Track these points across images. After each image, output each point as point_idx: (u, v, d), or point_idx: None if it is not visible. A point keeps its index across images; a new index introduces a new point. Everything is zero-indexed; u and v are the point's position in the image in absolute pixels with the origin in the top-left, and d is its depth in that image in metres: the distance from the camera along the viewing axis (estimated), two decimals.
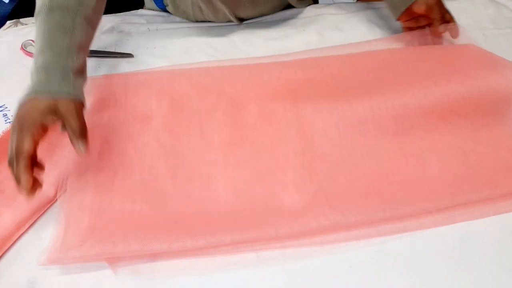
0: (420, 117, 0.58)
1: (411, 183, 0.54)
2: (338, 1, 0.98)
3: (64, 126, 0.50)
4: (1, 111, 0.67)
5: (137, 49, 0.77)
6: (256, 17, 0.83)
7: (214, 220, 0.51)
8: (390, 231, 0.51)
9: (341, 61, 0.68)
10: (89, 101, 0.60)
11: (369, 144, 0.58)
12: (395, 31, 0.78)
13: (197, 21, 0.84)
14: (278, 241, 0.50)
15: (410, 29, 0.73)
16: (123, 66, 0.75)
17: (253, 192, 0.54)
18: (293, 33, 0.79)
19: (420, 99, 0.59)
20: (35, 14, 0.58)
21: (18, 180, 0.47)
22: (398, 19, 0.73)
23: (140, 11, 0.88)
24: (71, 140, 0.50)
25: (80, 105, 0.53)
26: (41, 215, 0.55)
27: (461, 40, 0.70)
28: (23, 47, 0.76)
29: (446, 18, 0.69)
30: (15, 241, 0.53)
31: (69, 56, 0.54)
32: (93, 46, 0.77)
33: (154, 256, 0.50)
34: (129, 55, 0.76)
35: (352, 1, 1.00)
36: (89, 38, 0.61)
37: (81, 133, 0.50)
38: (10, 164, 0.47)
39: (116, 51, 0.77)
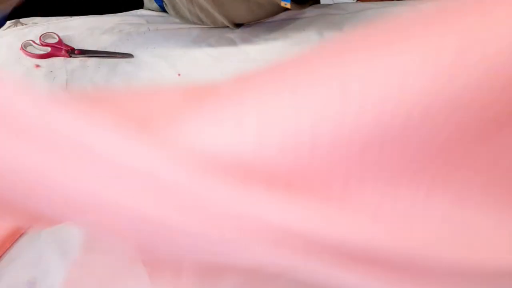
0: None
1: None
2: (338, 1, 0.98)
3: None
4: None
5: (137, 49, 0.77)
6: (253, 21, 0.83)
7: None
8: None
9: None
10: None
11: None
12: None
13: (193, 23, 0.84)
14: None
15: None
16: (123, 66, 0.75)
17: None
18: (293, 33, 0.79)
19: None
20: None
21: None
22: None
23: (140, 11, 0.88)
24: None
25: None
26: None
27: None
28: (23, 47, 0.76)
29: None
30: (15, 241, 0.53)
31: None
32: (93, 46, 0.77)
33: None
34: (129, 55, 0.76)
35: (352, 1, 1.00)
36: None
37: None
38: None
39: (116, 51, 0.77)
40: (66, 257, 0.52)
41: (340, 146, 0.32)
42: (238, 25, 0.82)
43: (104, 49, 0.77)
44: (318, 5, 0.88)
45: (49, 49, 0.76)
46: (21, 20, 0.84)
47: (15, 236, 0.53)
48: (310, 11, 0.84)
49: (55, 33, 0.78)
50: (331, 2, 0.92)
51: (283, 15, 0.84)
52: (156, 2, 0.84)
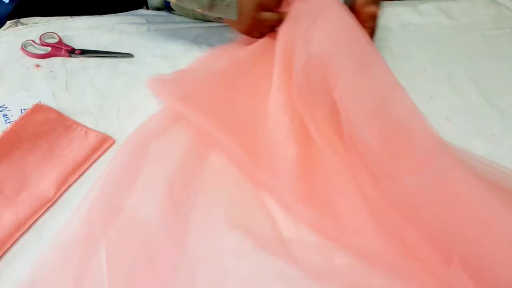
0: None
1: None
2: None
3: None
4: (1, 111, 0.67)
5: (137, 49, 0.77)
6: None
7: None
8: None
9: None
10: None
11: None
12: None
13: (196, 19, 0.83)
14: None
15: None
16: (123, 66, 0.75)
17: None
18: None
19: None
20: None
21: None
22: None
23: (140, 11, 0.88)
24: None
25: None
26: (41, 215, 0.55)
27: None
28: (23, 47, 0.76)
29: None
30: (15, 241, 0.53)
31: None
32: (93, 46, 0.77)
33: None
34: (129, 55, 0.76)
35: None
36: None
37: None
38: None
39: (116, 51, 0.77)
40: (66, 257, 0.52)
41: None
42: None
43: (104, 49, 0.77)
44: None
45: (49, 49, 0.76)
46: (21, 20, 0.84)
47: (15, 236, 0.53)
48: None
49: (55, 33, 0.78)
50: None
51: None
52: None
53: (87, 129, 0.64)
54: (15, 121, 0.63)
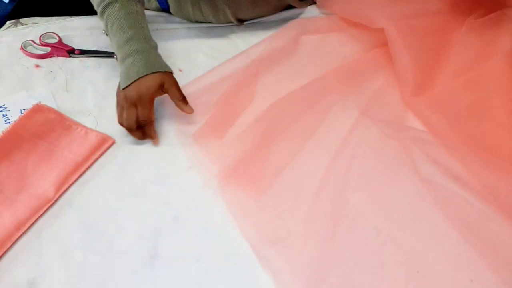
0: None
1: None
2: None
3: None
4: (1, 111, 0.67)
5: None
6: (256, 18, 0.83)
7: None
8: None
9: None
10: None
11: None
12: None
13: (197, 22, 0.83)
14: None
15: None
16: None
17: None
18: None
19: None
20: (102, 6, 0.63)
21: (152, 137, 0.62)
22: None
23: None
24: (178, 106, 0.63)
25: (174, 78, 0.63)
26: (41, 215, 0.55)
27: None
28: (23, 47, 0.76)
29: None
30: (15, 241, 0.53)
31: (151, 38, 0.65)
32: (93, 46, 0.77)
33: None
34: None
35: None
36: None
37: (184, 99, 0.63)
38: (131, 131, 0.61)
39: None
40: (66, 257, 0.52)
41: None
42: (240, 21, 0.82)
43: (104, 49, 0.77)
44: (318, 5, 0.87)
45: (49, 49, 0.76)
46: (21, 20, 0.84)
47: (15, 236, 0.53)
48: (310, 11, 0.84)
49: (55, 33, 0.78)
50: None
51: (283, 15, 0.84)
52: (159, 3, 0.84)
53: (87, 129, 0.64)
54: (15, 121, 0.63)
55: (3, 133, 0.61)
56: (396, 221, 0.53)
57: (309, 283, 0.49)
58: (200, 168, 0.60)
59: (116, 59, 0.65)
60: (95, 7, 0.67)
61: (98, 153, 0.62)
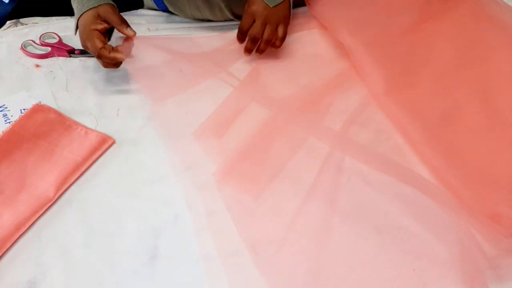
0: None
1: None
2: None
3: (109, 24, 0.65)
4: (1, 111, 0.67)
5: (137, 49, 0.77)
6: None
7: None
8: None
9: None
10: None
11: None
12: None
13: (195, 19, 0.83)
14: None
15: None
16: (123, 66, 0.75)
17: None
18: (294, 32, 0.79)
19: None
20: None
21: (112, 61, 0.65)
22: None
23: (140, 11, 0.88)
24: (119, 30, 0.66)
25: (113, 6, 0.67)
26: (41, 215, 0.55)
27: None
28: (23, 47, 0.76)
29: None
30: (15, 241, 0.53)
31: None
32: None
33: None
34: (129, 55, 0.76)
35: None
36: None
37: (123, 21, 0.66)
38: (99, 57, 0.65)
39: None
40: (66, 257, 0.52)
41: None
42: (237, 17, 0.82)
43: None
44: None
45: (49, 49, 0.76)
46: (21, 20, 0.84)
47: (15, 236, 0.53)
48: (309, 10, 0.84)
49: (55, 33, 0.78)
50: None
51: None
52: (156, 4, 0.84)
53: (87, 129, 0.64)
54: (15, 121, 0.63)
55: (3, 133, 0.61)
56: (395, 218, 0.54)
57: (306, 281, 0.49)
58: (200, 168, 0.60)
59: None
60: None
61: (98, 153, 0.62)
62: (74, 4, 0.67)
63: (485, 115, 0.61)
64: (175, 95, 0.69)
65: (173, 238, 0.54)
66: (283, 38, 0.70)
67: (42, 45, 0.76)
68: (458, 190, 0.55)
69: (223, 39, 0.79)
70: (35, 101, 0.66)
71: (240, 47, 0.73)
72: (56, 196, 0.57)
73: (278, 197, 0.56)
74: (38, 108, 0.65)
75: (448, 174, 0.56)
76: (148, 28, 0.82)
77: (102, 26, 0.65)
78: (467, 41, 0.71)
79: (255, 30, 0.68)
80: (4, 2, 1.01)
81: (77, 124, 0.64)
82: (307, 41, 0.77)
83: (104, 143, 0.62)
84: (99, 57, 0.64)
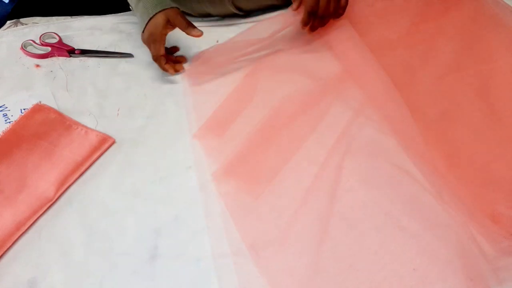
0: None
1: None
2: None
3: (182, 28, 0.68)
4: (1, 111, 0.67)
5: (137, 49, 0.77)
6: (256, 10, 0.83)
7: None
8: None
9: None
10: None
11: None
12: None
13: (200, 16, 0.83)
14: None
15: None
16: (123, 66, 0.75)
17: None
18: (295, 32, 0.79)
19: None
20: None
21: (166, 70, 0.71)
22: None
23: None
24: (188, 33, 0.68)
25: (178, 10, 0.69)
26: (41, 215, 0.55)
27: None
28: (23, 47, 0.76)
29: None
30: (15, 241, 0.53)
31: None
32: (93, 46, 0.77)
33: None
34: (129, 55, 0.76)
35: None
36: None
37: (189, 24, 0.68)
38: (156, 61, 0.70)
39: (116, 51, 0.77)
40: (67, 257, 0.52)
41: None
42: (243, 11, 0.82)
43: (104, 49, 0.77)
44: None
45: (49, 49, 0.76)
46: (21, 20, 0.84)
47: (15, 236, 0.53)
48: None
49: (55, 33, 0.78)
50: None
51: (284, 15, 0.83)
52: None
53: (87, 129, 0.64)
54: (15, 121, 0.63)
55: (3, 132, 0.61)
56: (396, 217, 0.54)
57: (306, 281, 0.49)
58: (200, 168, 0.60)
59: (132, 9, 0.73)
60: None
61: (98, 153, 0.62)
62: (139, 6, 0.69)
63: (485, 115, 0.61)
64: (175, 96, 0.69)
65: (173, 238, 0.54)
66: (345, 7, 0.70)
67: (42, 45, 0.76)
68: (458, 190, 0.55)
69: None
70: (35, 101, 0.66)
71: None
72: (56, 196, 0.57)
73: (278, 197, 0.56)
74: (38, 108, 0.65)
75: (448, 174, 0.56)
76: None
77: (170, 30, 0.69)
78: (467, 41, 0.70)
79: (322, 7, 0.68)
80: (4, 2, 1.01)
81: (77, 124, 0.65)
82: (307, 41, 0.77)
83: (104, 143, 0.63)
84: (155, 61, 0.70)
